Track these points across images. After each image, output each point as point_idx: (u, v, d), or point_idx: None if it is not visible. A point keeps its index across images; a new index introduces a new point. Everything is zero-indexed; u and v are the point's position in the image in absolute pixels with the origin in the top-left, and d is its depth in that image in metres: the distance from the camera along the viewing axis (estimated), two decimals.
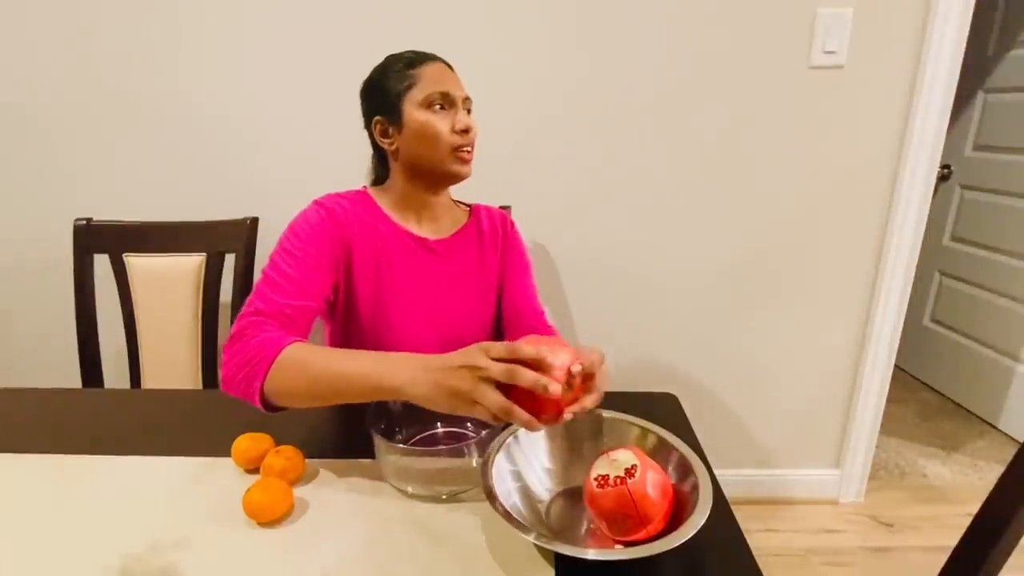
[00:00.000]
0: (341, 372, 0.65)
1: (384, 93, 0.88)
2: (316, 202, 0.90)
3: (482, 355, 0.55)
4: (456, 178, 0.91)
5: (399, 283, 0.92)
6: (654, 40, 1.33)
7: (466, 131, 0.87)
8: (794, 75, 1.34)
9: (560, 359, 0.55)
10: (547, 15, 1.31)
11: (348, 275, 0.89)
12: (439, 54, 0.91)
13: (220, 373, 0.72)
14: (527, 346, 0.55)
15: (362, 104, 0.93)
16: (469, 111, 0.90)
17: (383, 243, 0.91)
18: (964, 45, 1.31)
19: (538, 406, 0.54)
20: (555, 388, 0.53)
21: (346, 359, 0.66)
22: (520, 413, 0.53)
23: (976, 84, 2.04)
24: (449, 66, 0.91)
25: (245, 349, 0.70)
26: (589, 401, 0.58)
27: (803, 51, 1.33)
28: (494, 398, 0.54)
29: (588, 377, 0.58)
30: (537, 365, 0.54)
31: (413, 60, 0.88)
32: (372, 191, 0.95)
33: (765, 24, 1.31)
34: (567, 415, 0.56)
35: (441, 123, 0.86)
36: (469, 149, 0.88)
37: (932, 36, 1.29)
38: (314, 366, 0.66)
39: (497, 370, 0.54)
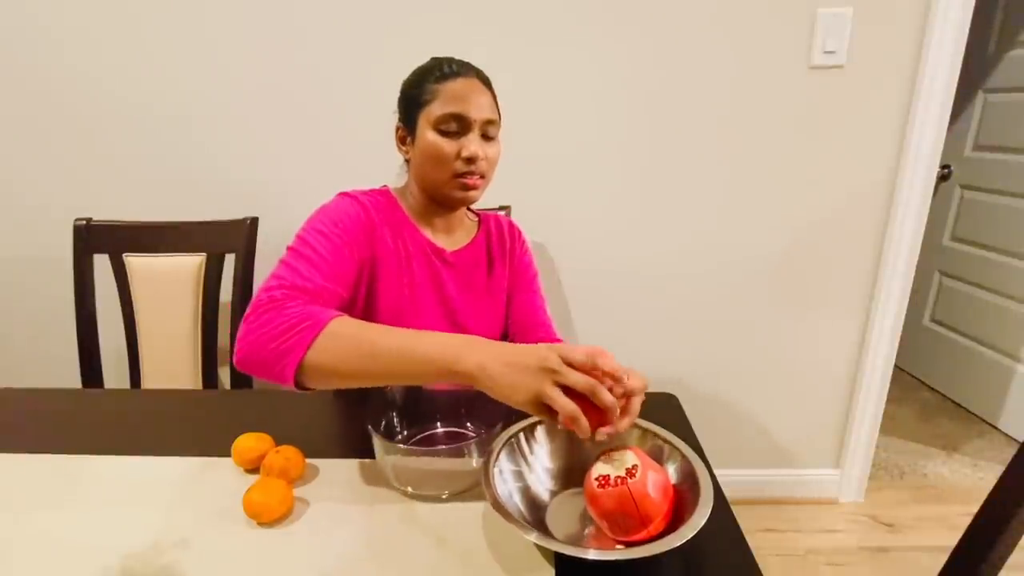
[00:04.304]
0: (406, 351, 0.61)
1: (407, 102, 0.87)
2: (348, 195, 0.87)
3: (560, 361, 0.55)
4: (458, 203, 0.89)
5: (418, 291, 0.90)
6: (654, 40, 1.33)
7: (471, 159, 0.83)
8: (794, 75, 1.34)
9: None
10: (546, 15, 1.31)
11: (372, 277, 0.87)
12: (438, 54, 0.89)
13: (238, 345, 0.66)
14: (607, 360, 0.55)
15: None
16: (488, 136, 0.85)
17: (406, 248, 0.89)
18: (964, 45, 1.31)
19: (592, 416, 0.55)
20: (626, 423, 0.56)
21: (411, 338, 0.62)
22: (584, 422, 0.54)
23: (976, 84, 2.04)
24: (484, 80, 0.86)
25: (282, 318, 0.65)
26: (623, 425, 0.57)
27: (803, 51, 1.33)
28: (564, 403, 0.54)
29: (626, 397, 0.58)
30: (613, 379, 0.55)
31: (443, 74, 0.83)
32: (394, 192, 0.93)
33: (765, 24, 1.31)
34: (602, 433, 0.55)
35: (448, 147, 0.82)
36: (475, 176, 0.84)
37: (932, 36, 1.29)
38: (372, 342, 0.62)
39: (577, 381, 0.54)
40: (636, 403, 0.58)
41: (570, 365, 0.55)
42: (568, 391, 0.54)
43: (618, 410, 0.54)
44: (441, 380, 0.60)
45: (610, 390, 0.55)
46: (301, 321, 0.64)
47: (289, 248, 0.78)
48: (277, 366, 0.63)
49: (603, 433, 0.55)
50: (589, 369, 0.55)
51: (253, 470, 0.69)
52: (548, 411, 0.55)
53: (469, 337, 0.62)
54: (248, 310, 0.68)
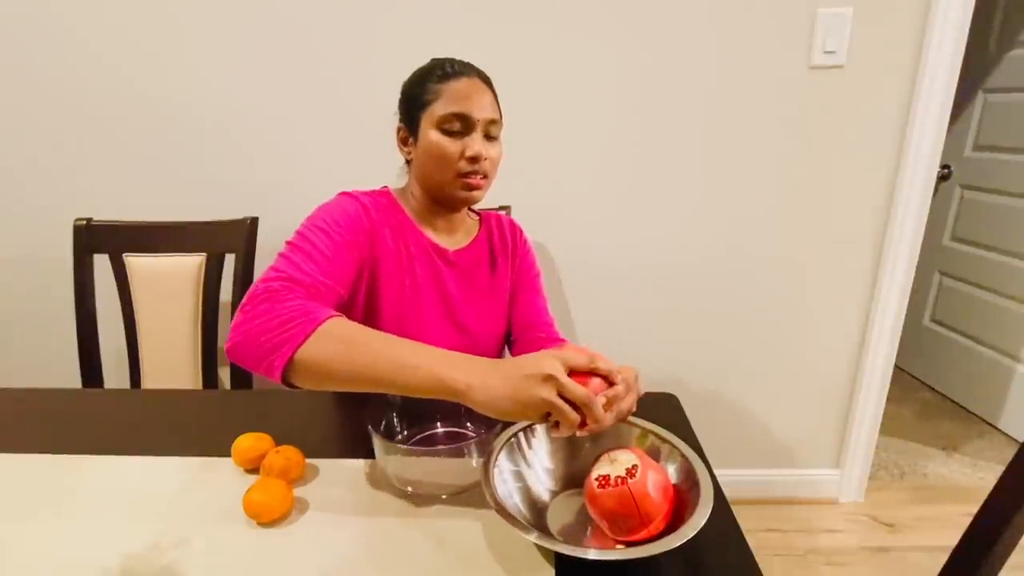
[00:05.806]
0: (402, 362, 0.59)
1: (409, 102, 0.87)
2: (349, 194, 0.86)
3: (561, 368, 0.55)
4: (461, 203, 0.89)
5: (420, 291, 0.90)
6: (654, 40, 1.33)
7: (475, 159, 0.83)
8: (794, 75, 1.35)
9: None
10: (546, 15, 1.31)
11: (373, 277, 0.87)
12: (438, 54, 0.89)
13: (232, 333, 0.64)
14: (603, 362, 0.56)
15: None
16: (491, 135, 0.85)
17: (407, 249, 0.89)
18: (964, 45, 1.31)
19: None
20: (609, 419, 0.56)
21: (406, 347, 0.61)
22: (575, 424, 0.55)
23: (976, 84, 2.04)
24: (486, 80, 0.87)
25: (277, 311, 0.63)
26: (608, 419, 0.57)
27: (803, 51, 1.33)
28: (574, 416, 0.54)
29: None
30: (607, 378, 0.57)
31: (445, 73, 0.83)
32: (395, 192, 0.93)
33: (765, 24, 1.31)
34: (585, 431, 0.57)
35: (452, 146, 0.82)
36: (479, 176, 0.84)
37: (932, 36, 1.29)
38: (367, 348, 0.60)
39: (575, 393, 0.54)
40: (625, 404, 0.58)
41: (570, 369, 0.56)
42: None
43: (602, 419, 0.55)
44: (432, 394, 0.58)
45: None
46: (297, 317, 0.63)
47: (288, 242, 0.78)
48: (266, 360, 0.62)
49: (586, 431, 0.56)
50: (589, 372, 0.57)
51: (253, 470, 0.69)
52: (545, 416, 0.55)
53: (467, 355, 0.60)
54: (244, 299, 0.67)
